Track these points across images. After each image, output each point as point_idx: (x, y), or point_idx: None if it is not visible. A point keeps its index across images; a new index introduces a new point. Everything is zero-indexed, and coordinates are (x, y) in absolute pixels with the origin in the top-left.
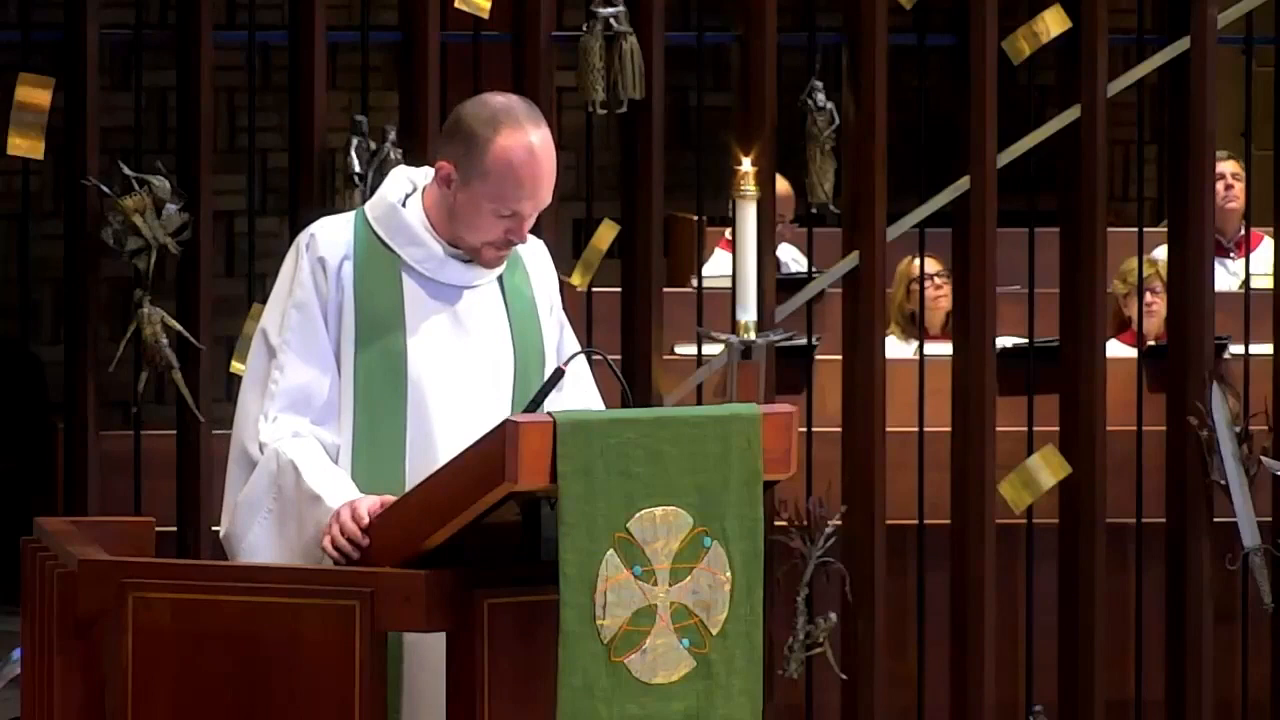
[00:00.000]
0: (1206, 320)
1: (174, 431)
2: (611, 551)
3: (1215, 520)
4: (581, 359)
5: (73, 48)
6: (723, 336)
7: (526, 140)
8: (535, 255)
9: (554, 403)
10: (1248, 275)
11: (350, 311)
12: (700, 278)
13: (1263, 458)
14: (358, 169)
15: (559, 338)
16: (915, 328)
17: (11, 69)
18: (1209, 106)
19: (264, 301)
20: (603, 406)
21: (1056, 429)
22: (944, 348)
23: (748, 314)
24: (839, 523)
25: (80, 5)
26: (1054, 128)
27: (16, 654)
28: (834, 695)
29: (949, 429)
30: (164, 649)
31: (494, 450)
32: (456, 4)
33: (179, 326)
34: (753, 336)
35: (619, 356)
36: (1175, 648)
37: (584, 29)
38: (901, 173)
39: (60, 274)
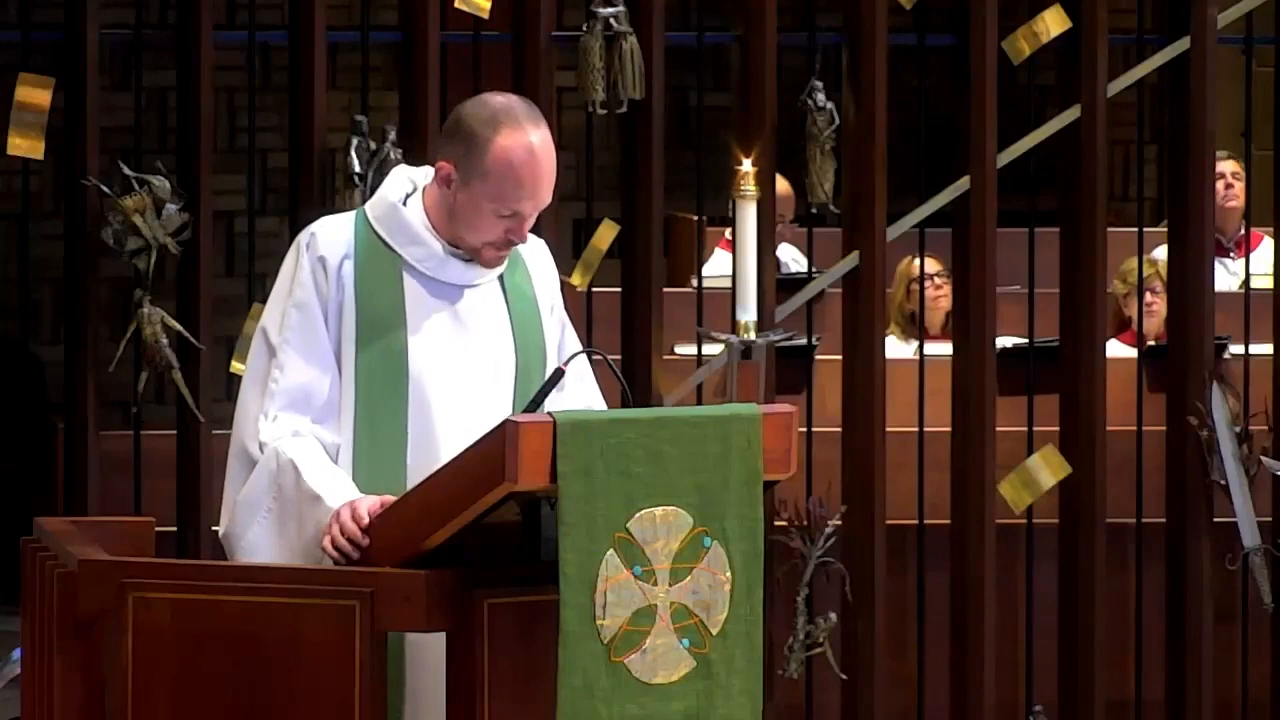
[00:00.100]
0: (1206, 320)
1: (174, 431)
2: (611, 551)
3: (1215, 520)
4: (583, 358)
5: (73, 48)
6: (723, 336)
7: (526, 140)
8: (536, 254)
9: (556, 402)
10: (1248, 275)
11: (351, 311)
12: (700, 278)
13: (1263, 458)
14: (358, 169)
15: (560, 337)
16: (915, 328)
17: (11, 69)
18: (1209, 106)
19: (264, 301)
20: (604, 406)
21: (1056, 429)
22: (944, 348)
23: (748, 314)
24: (839, 523)
25: (80, 5)
26: (1054, 128)
27: (16, 654)
28: (834, 695)
29: (949, 429)
30: (164, 649)
31: (494, 450)
32: (456, 4)
33: (179, 326)
34: (753, 336)
35: (619, 356)
36: (1175, 648)
37: (584, 29)
38: (901, 173)
39: (60, 274)
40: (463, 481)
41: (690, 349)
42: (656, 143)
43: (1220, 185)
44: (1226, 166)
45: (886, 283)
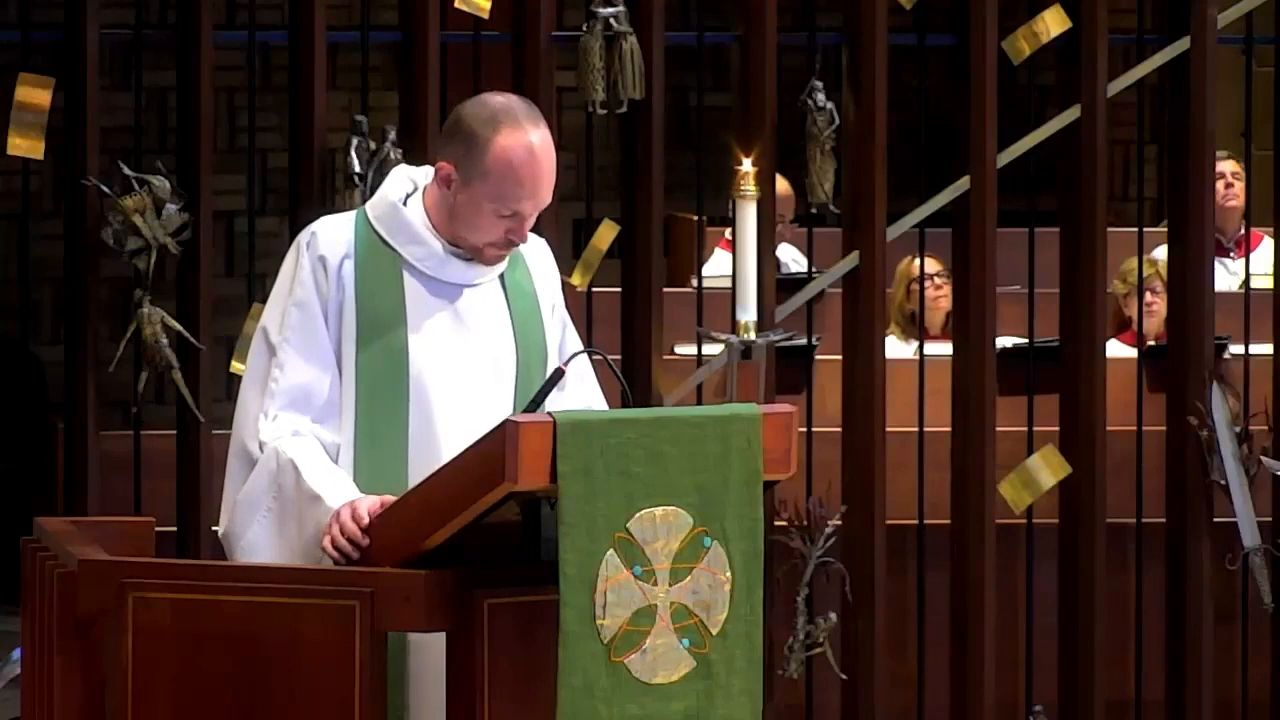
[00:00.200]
0: (1206, 320)
1: (174, 431)
2: (611, 551)
3: (1215, 520)
4: (584, 358)
5: (73, 48)
6: (723, 336)
7: (526, 140)
8: (537, 253)
9: (557, 402)
10: (1248, 275)
11: (351, 310)
12: (700, 278)
13: (1263, 458)
14: (358, 169)
15: (561, 336)
16: (915, 328)
17: (11, 69)
18: (1209, 106)
19: (264, 301)
20: (605, 406)
21: (1056, 429)
22: (944, 348)
23: (748, 314)
24: (839, 523)
25: (80, 5)
26: (1054, 128)
27: (16, 654)
28: (834, 695)
29: (949, 429)
30: (164, 649)
31: (494, 450)
32: (456, 4)
33: (179, 326)
34: (753, 336)
35: (619, 356)
36: (1175, 648)
37: (584, 29)
38: (901, 173)
39: (60, 274)
40: (463, 481)
41: (690, 349)
42: (656, 143)
43: (1220, 185)
44: (1226, 166)
45: (886, 283)
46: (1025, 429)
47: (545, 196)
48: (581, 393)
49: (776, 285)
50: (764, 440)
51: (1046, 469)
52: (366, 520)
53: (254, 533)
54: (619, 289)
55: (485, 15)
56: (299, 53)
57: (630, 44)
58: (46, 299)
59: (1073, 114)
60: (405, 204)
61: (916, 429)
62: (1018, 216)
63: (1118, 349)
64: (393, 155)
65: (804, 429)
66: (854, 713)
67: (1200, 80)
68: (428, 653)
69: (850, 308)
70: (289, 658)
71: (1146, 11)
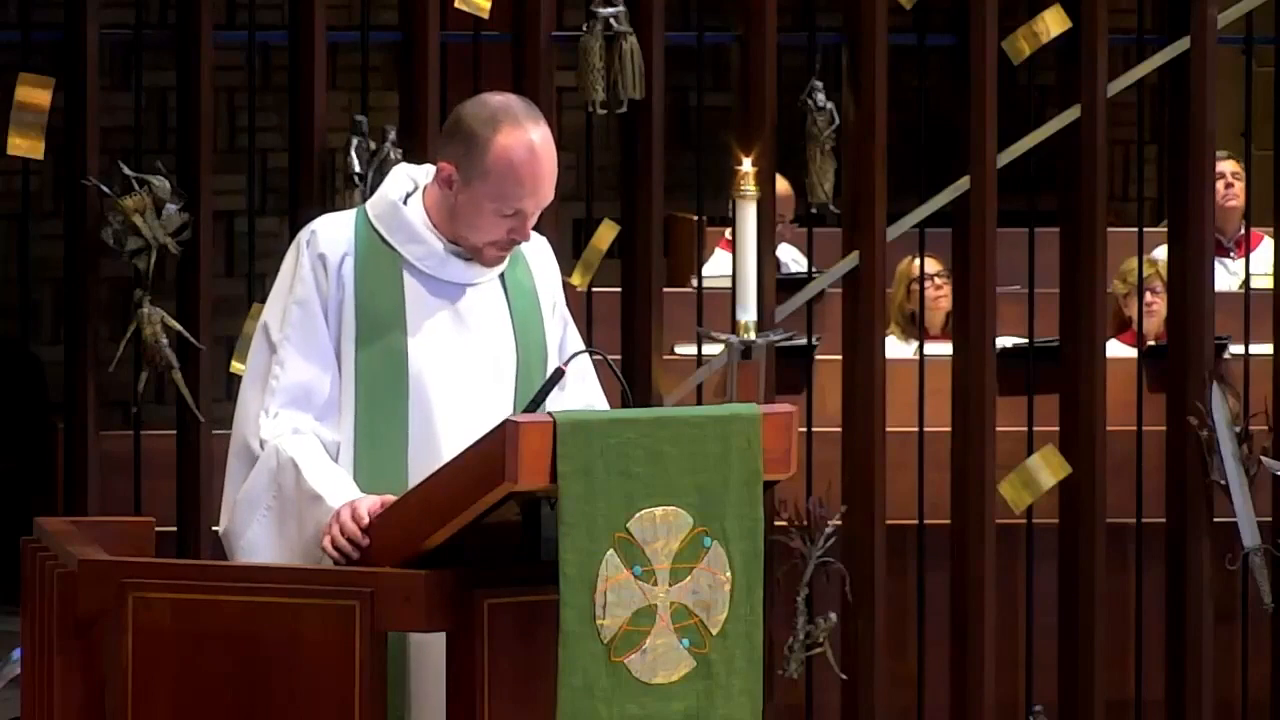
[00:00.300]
0: (1206, 320)
1: (174, 431)
2: (611, 551)
3: (1215, 520)
4: (586, 357)
5: (73, 48)
6: (723, 336)
7: (527, 138)
8: (538, 252)
9: (558, 401)
10: (1248, 275)
11: (350, 309)
12: (700, 278)
13: (1263, 458)
14: (358, 169)
15: (562, 335)
16: (915, 328)
17: (11, 69)
18: (1209, 106)
19: (264, 301)
20: (606, 405)
21: (1056, 429)
22: (944, 348)
23: (748, 314)
24: (839, 523)
25: (80, 5)
26: (1054, 128)
27: (16, 654)
28: (834, 695)
29: (949, 429)
30: (164, 649)
31: (494, 450)
32: (456, 4)
33: (179, 326)
34: (753, 336)
35: (619, 356)
36: (1175, 648)
37: (584, 29)
38: (901, 173)
39: (60, 274)
40: (463, 481)
41: (690, 349)
42: (656, 143)
43: (1220, 185)
44: (1226, 166)
45: (886, 283)
46: (1025, 429)
47: (547, 195)
48: (583, 392)
49: (776, 285)
50: (764, 440)
51: (1046, 469)
52: (366, 520)
53: (254, 531)
54: (619, 289)
55: (485, 15)
56: (299, 53)
57: (630, 44)
58: (46, 299)
59: (1073, 114)
60: (405, 203)
61: (916, 429)
62: (1018, 216)
63: (1118, 349)
64: (393, 155)
65: (804, 429)
66: (854, 713)
67: (1200, 80)
68: (428, 653)
69: (850, 308)
70: (289, 658)
71: (1146, 11)
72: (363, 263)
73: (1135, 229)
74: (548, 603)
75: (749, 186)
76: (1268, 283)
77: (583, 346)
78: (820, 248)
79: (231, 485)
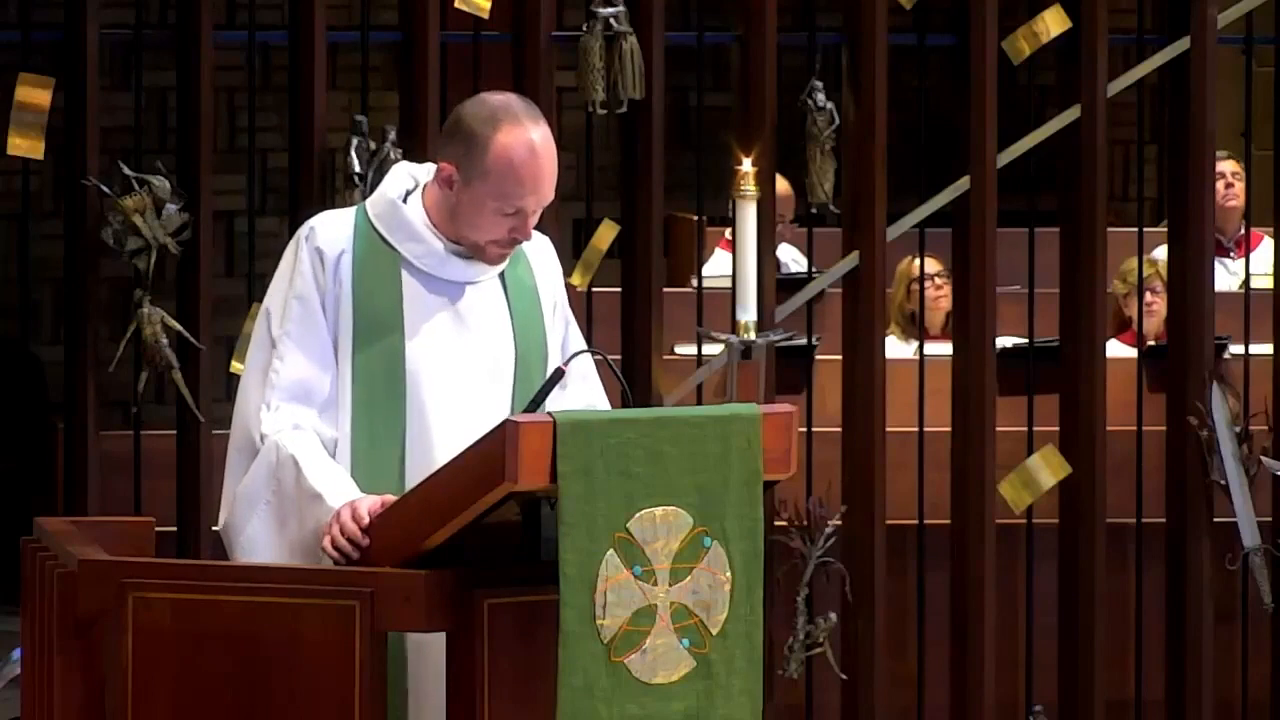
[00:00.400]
0: (1206, 320)
1: (174, 431)
2: (611, 551)
3: (1215, 520)
4: (587, 357)
5: (73, 48)
6: (723, 336)
7: (527, 137)
8: (540, 251)
9: (559, 401)
10: (1248, 275)
11: (348, 306)
12: (700, 278)
13: (1263, 458)
14: (358, 169)
15: (564, 335)
16: (915, 328)
17: (11, 69)
18: (1209, 106)
19: (263, 301)
20: (608, 405)
21: (1056, 429)
22: (944, 348)
23: (748, 314)
24: (839, 523)
25: (80, 5)
26: (1054, 128)
27: (16, 654)
28: (834, 695)
29: (949, 429)
30: (164, 649)
31: (494, 450)
32: (456, 4)
33: (179, 326)
34: (753, 336)
35: (619, 356)
36: (1175, 648)
37: (584, 29)
38: (901, 173)
39: (60, 274)
40: (463, 481)
41: (690, 349)
42: (656, 143)
43: (1220, 185)
44: (1226, 166)
45: (886, 283)
46: (1025, 429)
47: (547, 193)
48: (584, 392)
49: (776, 285)
50: (764, 440)
51: (1046, 469)
52: (367, 520)
53: (253, 527)
54: (619, 289)
55: (485, 15)
56: (299, 53)
57: (630, 44)
58: (46, 299)
59: (1073, 114)
60: (405, 201)
61: (916, 429)
62: (1018, 216)
63: (1118, 349)
64: (393, 155)
65: (804, 429)
66: (854, 713)
67: (1200, 80)
68: (426, 653)
69: (850, 308)
70: (289, 658)
71: (1146, 11)
72: (361, 260)
73: (1135, 229)
74: (548, 603)
75: (749, 186)
76: (1268, 283)
77: (585, 347)
78: (820, 248)
79: (231, 479)
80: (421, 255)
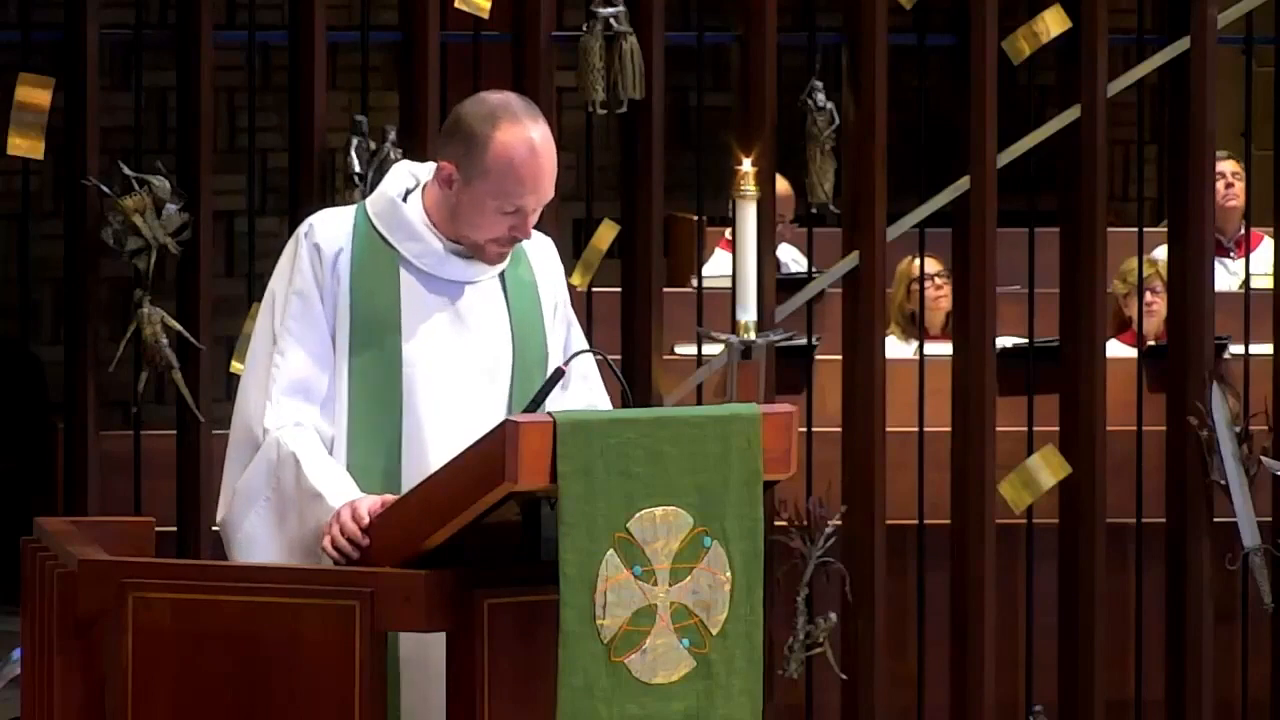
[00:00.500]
0: (1206, 320)
1: (174, 431)
2: (611, 551)
3: (1215, 520)
4: (588, 357)
5: (73, 48)
6: (723, 336)
7: (526, 135)
8: (541, 251)
9: (560, 402)
10: (1248, 275)
11: (346, 303)
12: (700, 278)
13: (1263, 458)
14: (358, 169)
15: (565, 336)
16: (915, 328)
17: (11, 69)
18: (1209, 106)
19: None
20: (609, 405)
21: (1056, 429)
22: (944, 348)
23: (748, 314)
24: (839, 523)
25: (80, 5)
26: (1054, 128)
27: (16, 654)
28: (834, 695)
29: (949, 429)
30: (164, 649)
31: (494, 450)
32: (456, 4)
33: (179, 326)
34: (753, 336)
35: (619, 356)
36: (1175, 648)
37: (584, 29)
38: (901, 173)
39: (60, 274)
40: (463, 481)
41: (690, 349)
42: (656, 143)
43: (1220, 185)
44: (1226, 166)
45: (886, 283)
46: (1025, 429)
47: (547, 191)
48: (584, 392)
49: (776, 285)
50: (764, 440)
51: (1046, 469)
52: (367, 520)
53: (252, 523)
54: (619, 289)
55: (485, 15)
56: (299, 53)
57: (630, 44)
58: (46, 299)
59: (1073, 114)
60: (405, 200)
61: (916, 429)
62: (1018, 216)
63: (1118, 349)
64: (393, 155)
65: (804, 429)
66: (854, 713)
67: (1200, 80)
68: (421, 654)
69: (850, 308)
70: (289, 658)
71: (1146, 11)
72: (359, 259)
73: (1135, 229)
74: (548, 603)
75: (749, 186)
76: (1268, 283)
77: (586, 347)
78: (820, 248)
79: (231, 473)
80: (420, 254)
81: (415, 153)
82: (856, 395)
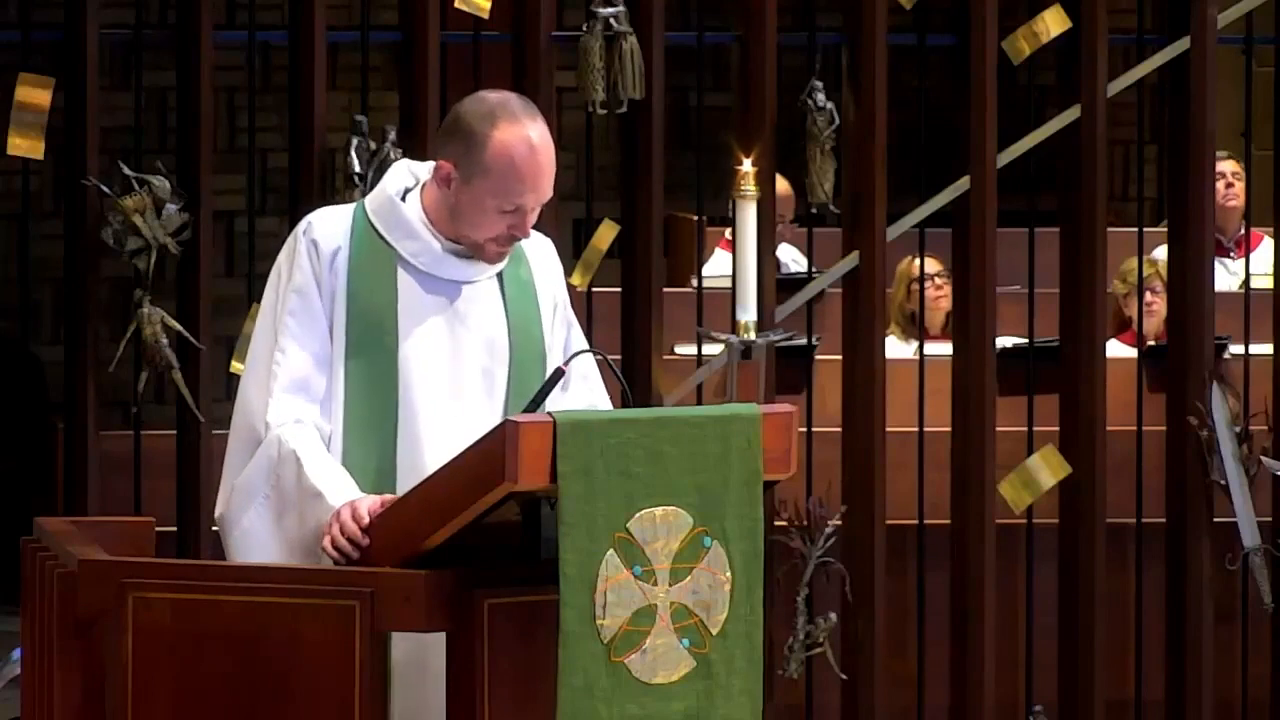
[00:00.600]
0: (1206, 320)
1: (174, 431)
2: (611, 551)
3: (1215, 520)
4: (589, 357)
5: (73, 48)
6: (723, 336)
7: (525, 134)
8: (541, 251)
9: (560, 402)
10: (1248, 275)
11: (343, 302)
12: (700, 278)
13: (1263, 458)
14: (358, 169)
15: (565, 336)
16: (915, 328)
17: (11, 69)
18: (1209, 106)
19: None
20: (610, 406)
21: (1056, 429)
22: (944, 348)
23: (748, 314)
24: (839, 523)
25: (80, 5)
26: (1054, 128)
27: (16, 654)
28: (834, 695)
29: (949, 429)
30: (164, 649)
31: (494, 450)
32: (456, 4)
33: (179, 326)
34: (753, 336)
35: (619, 356)
36: (1175, 648)
37: (584, 29)
38: (901, 173)
39: (60, 274)
40: (463, 481)
41: (690, 349)
42: (656, 143)
43: (1220, 185)
44: (1226, 166)
45: (886, 283)
46: (1025, 429)
47: (546, 190)
48: (584, 392)
49: (776, 285)
50: (764, 440)
51: (1046, 469)
52: (367, 520)
53: (250, 520)
54: (619, 289)
55: (485, 15)
56: (299, 53)
57: (630, 44)
58: (46, 299)
59: (1073, 114)
60: (404, 199)
61: (916, 429)
62: (1018, 216)
63: (1118, 349)
64: (393, 155)
65: (804, 429)
66: (854, 713)
67: (1200, 80)
68: (420, 655)
69: (850, 308)
70: (289, 658)
71: (1146, 11)
72: (357, 257)
73: (1135, 229)
74: (548, 603)
75: (749, 186)
76: (1268, 283)
77: (586, 347)
78: (820, 248)
79: (231, 469)
80: (418, 254)
81: (415, 153)
82: (856, 395)
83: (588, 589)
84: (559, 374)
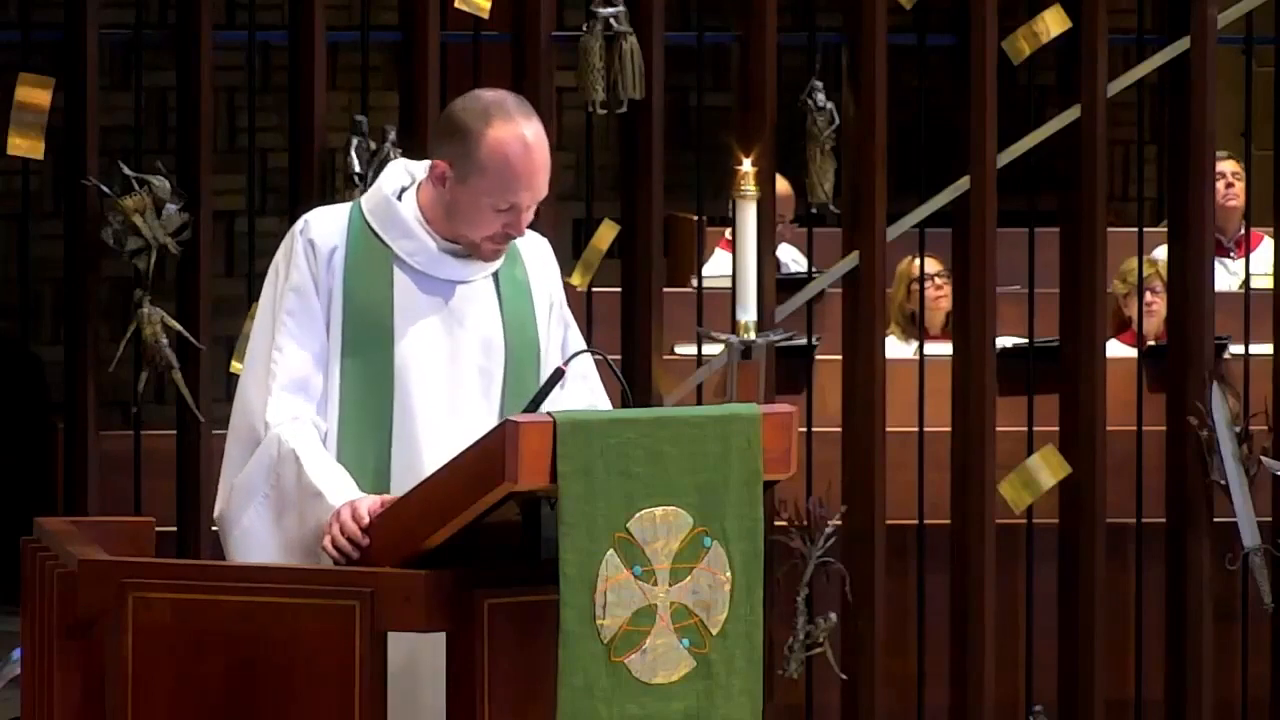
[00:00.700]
0: (1206, 320)
1: (174, 431)
2: (611, 551)
3: (1215, 520)
4: (588, 357)
5: (73, 48)
6: (723, 336)
7: (519, 132)
8: (536, 251)
9: (559, 402)
10: (1248, 275)
11: (339, 300)
12: (700, 278)
13: (1263, 458)
14: (358, 169)
15: (563, 336)
16: (915, 328)
17: (11, 69)
18: (1209, 106)
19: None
20: (609, 405)
21: (1056, 429)
22: (944, 348)
23: (748, 314)
24: (839, 523)
25: (80, 5)
26: (1054, 128)
27: (16, 654)
28: (834, 695)
29: (949, 429)
30: (164, 649)
31: (494, 450)
32: (456, 4)
33: (179, 326)
34: (753, 336)
35: (619, 356)
36: (1175, 648)
37: (584, 29)
38: (901, 173)
39: (60, 274)
40: (463, 481)
41: (690, 349)
42: (656, 143)
43: (1220, 185)
44: (1226, 166)
45: (886, 283)
46: (1025, 429)
47: (541, 188)
48: (584, 392)
49: (776, 285)
50: (764, 440)
51: (1046, 469)
52: (367, 520)
53: (249, 518)
54: (619, 289)
55: (485, 15)
56: (299, 53)
57: (630, 44)
58: (46, 299)
59: (1073, 114)
60: (400, 198)
61: (916, 429)
62: (1018, 216)
63: (1118, 349)
64: (392, 155)
65: (804, 429)
66: (854, 713)
67: (1200, 80)
68: (415, 657)
69: (850, 308)
70: (289, 658)
71: (1146, 11)
72: (353, 256)
73: (1135, 229)
74: (548, 603)
75: (749, 186)
76: (1268, 283)
77: (585, 347)
78: (820, 248)
79: (231, 468)
80: (414, 253)
81: (415, 153)
82: (856, 395)
83: (588, 589)
84: (558, 374)
